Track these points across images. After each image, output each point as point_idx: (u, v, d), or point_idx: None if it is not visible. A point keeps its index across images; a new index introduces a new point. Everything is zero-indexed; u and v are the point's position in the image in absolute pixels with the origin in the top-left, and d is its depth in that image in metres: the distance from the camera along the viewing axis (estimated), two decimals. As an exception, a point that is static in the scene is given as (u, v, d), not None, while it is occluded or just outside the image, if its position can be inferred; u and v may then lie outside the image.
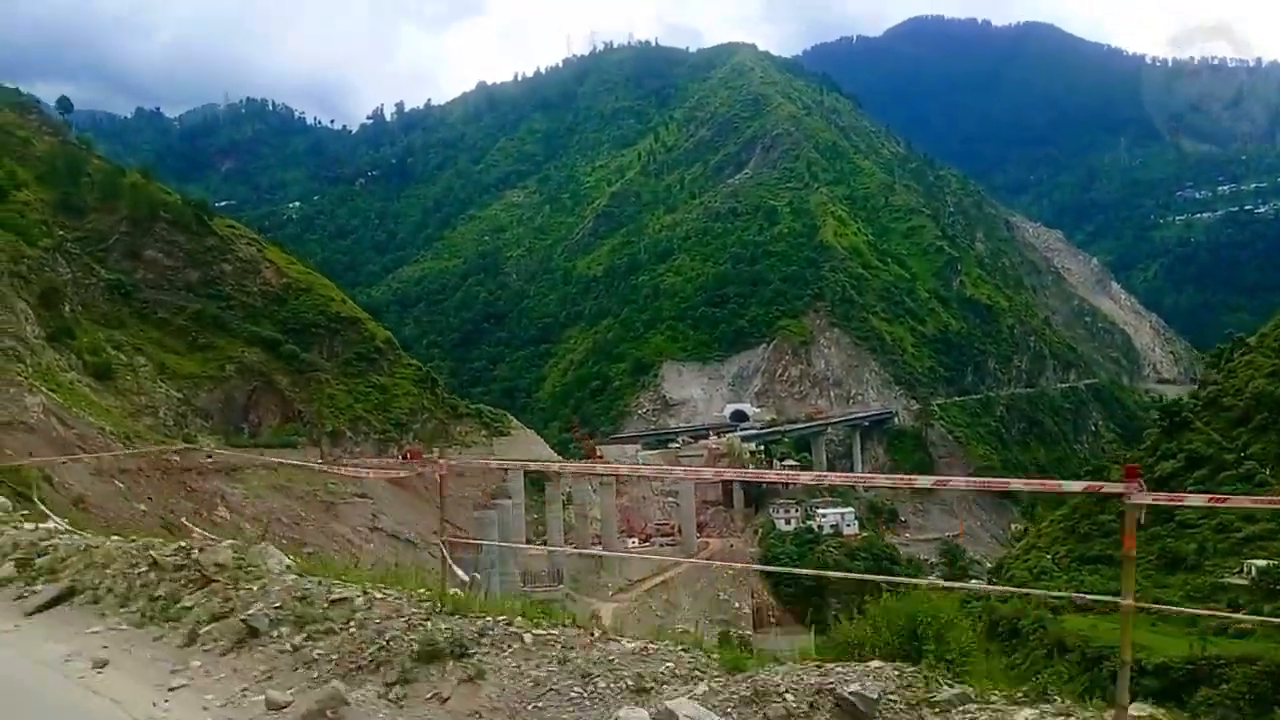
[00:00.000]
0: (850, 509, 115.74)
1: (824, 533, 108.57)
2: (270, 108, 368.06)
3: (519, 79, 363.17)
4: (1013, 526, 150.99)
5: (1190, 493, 76.88)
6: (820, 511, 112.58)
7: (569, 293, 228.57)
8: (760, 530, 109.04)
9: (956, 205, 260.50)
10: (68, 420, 67.70)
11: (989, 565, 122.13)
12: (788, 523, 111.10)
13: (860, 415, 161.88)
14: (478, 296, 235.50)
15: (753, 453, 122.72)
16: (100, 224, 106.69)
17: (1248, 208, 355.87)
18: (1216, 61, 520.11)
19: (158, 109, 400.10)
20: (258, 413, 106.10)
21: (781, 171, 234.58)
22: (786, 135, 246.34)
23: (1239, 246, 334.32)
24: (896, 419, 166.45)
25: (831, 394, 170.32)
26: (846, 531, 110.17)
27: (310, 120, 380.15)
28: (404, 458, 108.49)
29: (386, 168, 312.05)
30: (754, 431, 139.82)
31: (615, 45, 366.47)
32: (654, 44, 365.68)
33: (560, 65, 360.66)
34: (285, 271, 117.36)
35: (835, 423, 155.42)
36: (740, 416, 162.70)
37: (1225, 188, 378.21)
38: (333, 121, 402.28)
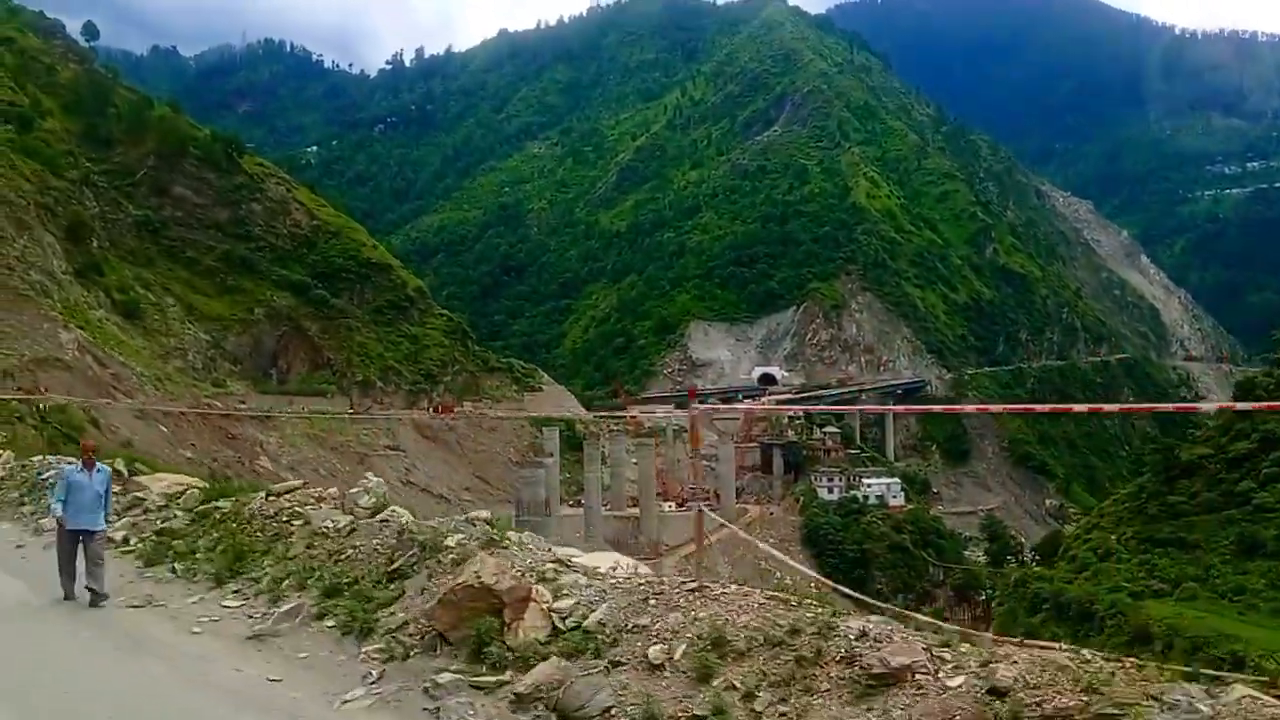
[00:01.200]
0: (896, 480, 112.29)
1: (869, 503, 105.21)
2: (288, 49, 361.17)
3: (542, 27, 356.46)
4: (1048, 502, 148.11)
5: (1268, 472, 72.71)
6: (865, 481, 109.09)
7: (591, 248, 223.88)
8: (801, 499, 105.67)
9: (987, 171, 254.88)
10: (102, 359, 64.34)
11: (1029, 542, 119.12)
12: (831, 492, 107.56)
13: (894, 383, 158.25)
14: (498, 249, 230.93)
15: (792, 418, 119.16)
16: (127, 158, 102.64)
17: (1278, 185, 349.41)
18: (1247, 35, 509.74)
19: (174, 47, 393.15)
20: (287, 359, 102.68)
21: (812, 130, 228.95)
22: (817, 93, 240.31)
23: (1268, 224, 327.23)
24: (929, 388, 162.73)
25: (862, 360, 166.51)
26: (892, 503, 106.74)
27: (328, 64, 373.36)
28: (435, 411, 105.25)
29: (406, 114, 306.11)
30: (789, 396, 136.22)
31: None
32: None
33: (584, 14, 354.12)
34: (315, 213, 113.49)
35: (869, 390, 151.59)
36: (768, 380, 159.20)
37: (1255, 164, 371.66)
38: (351, 66, 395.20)
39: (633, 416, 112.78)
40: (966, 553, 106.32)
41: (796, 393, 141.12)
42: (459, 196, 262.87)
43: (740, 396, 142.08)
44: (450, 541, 9.79)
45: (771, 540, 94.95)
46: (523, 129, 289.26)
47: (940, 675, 6.21)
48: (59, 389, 53.75)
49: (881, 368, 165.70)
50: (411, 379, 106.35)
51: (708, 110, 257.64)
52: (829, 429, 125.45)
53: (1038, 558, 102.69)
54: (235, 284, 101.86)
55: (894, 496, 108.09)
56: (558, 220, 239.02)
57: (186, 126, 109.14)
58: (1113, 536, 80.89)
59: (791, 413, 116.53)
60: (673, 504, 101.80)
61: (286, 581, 10.53)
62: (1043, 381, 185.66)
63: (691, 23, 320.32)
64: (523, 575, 8.43)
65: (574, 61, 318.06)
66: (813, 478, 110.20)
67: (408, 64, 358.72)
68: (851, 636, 6.79)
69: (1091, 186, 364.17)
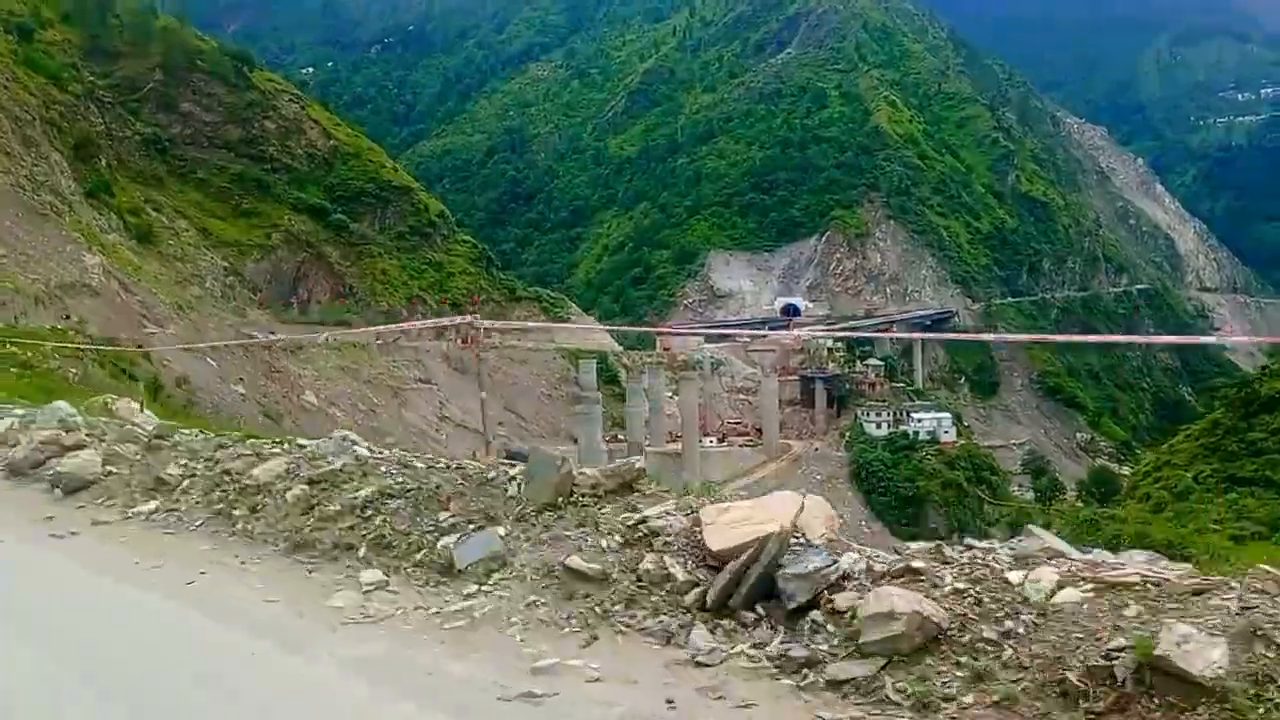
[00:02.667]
0: (947, 414, 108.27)
1: (919, 439, 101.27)
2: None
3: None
4: (1078, 436, 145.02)
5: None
6: (915, 416, 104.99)
7: (601, 174, 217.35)
8: (847, 434, 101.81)
9: (1004, 97, 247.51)
10: (129, 285, 59.38)
11: (1061, 477, 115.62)
12: (879, 427, 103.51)
13: (923, 314, 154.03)
14: (504, 174, 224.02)
15: (830, 350, 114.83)
16: (132, 71, 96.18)
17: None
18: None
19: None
20: (307, 286, 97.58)
21: (828, 52, 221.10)
22: (833, 13, 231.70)
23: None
24: (956, 319, 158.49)
25: (887, 290, 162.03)
26: (944, 438, 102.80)
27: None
28: (461, 342, 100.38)
29: (403, 34, 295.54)
30: (821, 327, 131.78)
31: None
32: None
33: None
34: (331, 133, 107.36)
35: (900, 320, 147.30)
36: (792, 310, 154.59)
37: (1269, 90, 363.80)
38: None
39: (666, 348, 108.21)
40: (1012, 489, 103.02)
41: (832, 323, 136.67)
42: (461, 120, 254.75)
43: (764, 327, 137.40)
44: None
45: (818, 477, 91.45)
46: (525, 50, 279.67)
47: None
48: (91, 318, 49.10)
49: (907, 298, 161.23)
50: (438, 308, 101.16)
51: (719, 31, 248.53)
52: (871, 361, 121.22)
53: (1085, 494, 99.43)
54: (250, 207, 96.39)
55: (945, 432, 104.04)
56: (565, 145, 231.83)
57: (193, 38, 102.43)
58: (1186, 474, 77.15)
59: (830, 340, 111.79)
60: (713, 439, 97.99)
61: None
62: (1066, 312, 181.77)
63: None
64: None
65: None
66: (858, 412, 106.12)
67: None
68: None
69: (1101, 114, 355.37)
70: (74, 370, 25.90)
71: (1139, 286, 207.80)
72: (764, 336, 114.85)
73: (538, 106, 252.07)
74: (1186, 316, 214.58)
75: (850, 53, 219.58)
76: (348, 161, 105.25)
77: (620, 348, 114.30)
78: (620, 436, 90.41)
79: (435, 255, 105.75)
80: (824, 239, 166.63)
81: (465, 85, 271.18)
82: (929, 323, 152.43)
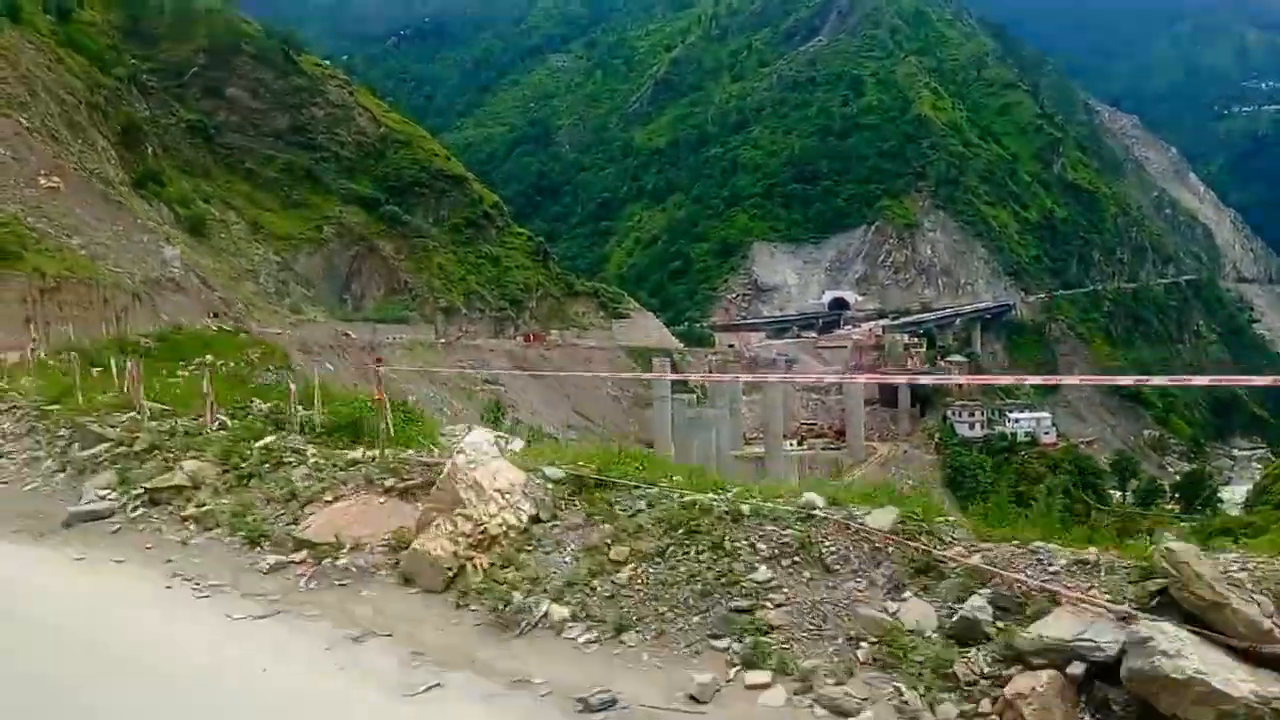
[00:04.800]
0: (1046, 414, 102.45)
1: (1017, 439, 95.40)
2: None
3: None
4: (1145, 433, 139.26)
5: None
6: (1012, 416, 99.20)
7: (629, 166, 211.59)
8: (936, 435, 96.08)
9: (1042, 84, 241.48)
10: (209, 280, 53.79)
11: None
12: (972, 428, 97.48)
13: (983, 307, 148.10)
14: (529, 168, 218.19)
15: (907, 346, 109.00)
16: (175, 55, 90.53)
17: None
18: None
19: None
20: (360, 282, 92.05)
21: (862, 39, 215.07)
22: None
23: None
24: (1015, 312, 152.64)
25: (940, 283, 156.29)
26: (1044, 439, 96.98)
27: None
28: (525, 340, 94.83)
29: (420, 27, 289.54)
30: (888, 322, 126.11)
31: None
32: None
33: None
34: (381, 120, 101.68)
35: (963, 315, 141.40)
36: (841, 304, 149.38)
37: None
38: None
39: (730, 346, 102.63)
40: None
41: (897, 318, 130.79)
42: (481, 113, 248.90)
43: (818, 321, 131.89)
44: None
45: (909, 483, 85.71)
46: (544, 41, 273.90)
47: None
48: (180, 315, 43.49)
49: (960, 291, 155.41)
50: (496, 305, 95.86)
51: (746, 19, 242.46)
52: (954, 358, 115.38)
53: (1180, 497, 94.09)
54: (301, 198, 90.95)
55: (1045, 432, 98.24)
56: (590, 137, 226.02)
57: (237, 21, 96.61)
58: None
59: (907, 336, 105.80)
60: (791, 442, 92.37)
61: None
62: (1118, 305, 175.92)
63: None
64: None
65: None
66: (947, 412, 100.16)
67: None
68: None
69: (1124, 104, 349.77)
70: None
71: (1186, 278, 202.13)
72: (834, 331, 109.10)
73: (560, 98, 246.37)
74: (1233, 308, 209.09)
75: (885, 39, 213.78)
76: (399, 150, 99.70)
77: (681, 345, 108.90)
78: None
79: (491, 249, 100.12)
80: (872, 230, 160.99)
81: (485, 78, 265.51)
82: (988, 316, 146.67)
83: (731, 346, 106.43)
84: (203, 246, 74.71)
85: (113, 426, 11.66)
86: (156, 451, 10.46)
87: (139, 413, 11.95)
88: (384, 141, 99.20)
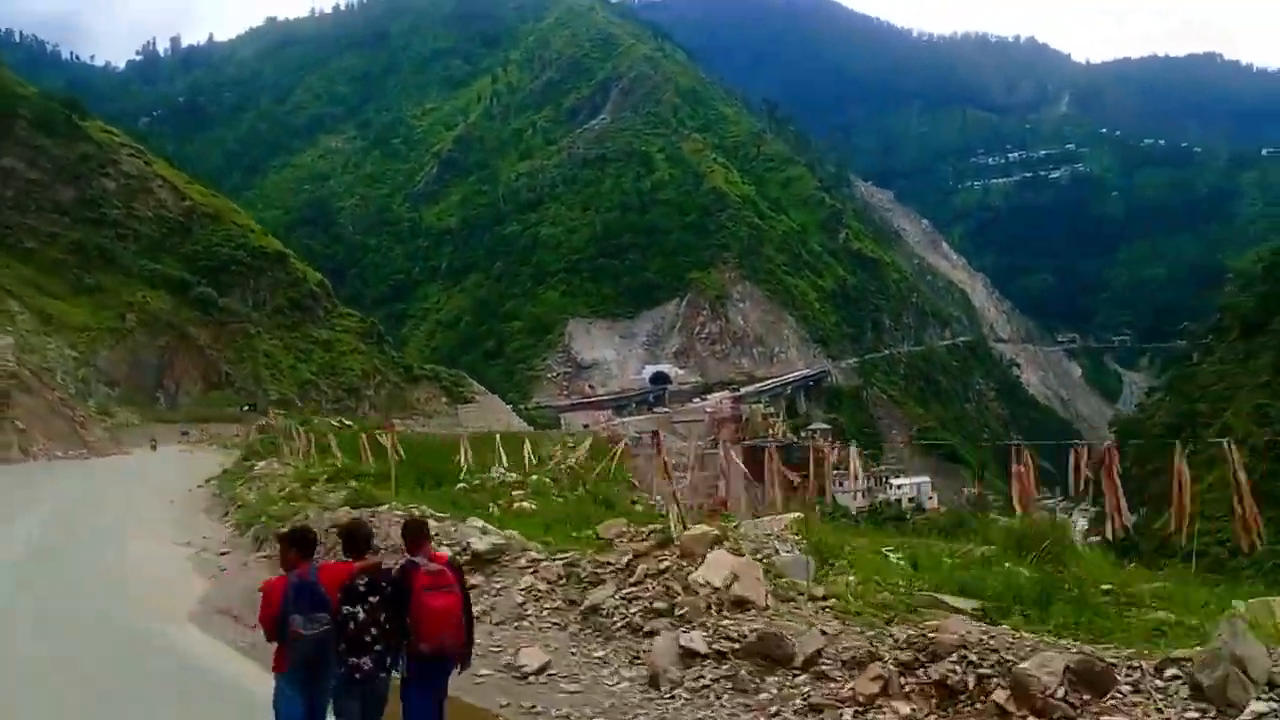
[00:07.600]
0: (925, 478, 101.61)
1: (902, 507, 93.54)
2: (18, 39, 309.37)
3: (317, 15, 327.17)
4: (966, 490, 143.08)
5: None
6: (893, 482, 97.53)
7: (420, 246, 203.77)
8: (817, 506, 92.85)
9: (810, 161, 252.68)
10: (41, 374, 43.33)
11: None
12: (855, 497, 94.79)
13: (804, 375, 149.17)
14: (310, 250, 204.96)
15: (765, 415, 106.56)
16: (-68, 120, 76.77)
17: (1041, 173, 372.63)
18: (976, 36, 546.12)
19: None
20: (173, 376, 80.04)
21: (645, 117, 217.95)
22: (645, 78, 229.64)
23: (1036, 211, 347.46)
24: (830, 378, 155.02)
25: (755, 353, 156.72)
26: (928, 505, 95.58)
27: (65, 55, 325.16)
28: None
29: (174, 107, 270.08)
30: (729, 394, 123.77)
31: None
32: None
33: (366, 1, 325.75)
34: (184, 191, 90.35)
35: (789, 384, 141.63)
36: (662, 379, 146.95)
37: (1015, 154, 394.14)
38: (92, 57, 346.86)
39: (585, 426, 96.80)
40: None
41: (746, 386, 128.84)
42: (251, 195, 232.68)
43: (650, 397, 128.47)
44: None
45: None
46: (313, 121, 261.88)
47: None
48: (32, 422, 33.88)
49: (774, 360, 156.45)
50: (334, 395, 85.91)
51: (527, 98, 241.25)
52: (816, 426, 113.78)
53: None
54: (94, 282, 78.60)
55: (928, 498, 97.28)
56: (375, 217, 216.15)
57: (11, 83, 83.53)
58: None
59: (764, 405, 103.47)
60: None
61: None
62: (912, 367, 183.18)
63: (488, 11, 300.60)
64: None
65: (361, 50, 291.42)
66: (825, 483, 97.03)
67: (162, 53, 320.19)
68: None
69: (876, 179, 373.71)
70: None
71: (963, 339, 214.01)
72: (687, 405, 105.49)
73: (337, 178, 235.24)
74: (1004, 366, 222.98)
75: (668, 116, 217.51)
76: (207, 225, 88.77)
77: (530, 426, 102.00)
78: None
79: (320, 333, 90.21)
80: (684, 302, 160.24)
81: (251, 158, 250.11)
82: (811, 384, 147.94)
83: (586, 427, 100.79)
84: (-11, 342, 62.10)
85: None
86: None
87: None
88: (189, 216, 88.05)
